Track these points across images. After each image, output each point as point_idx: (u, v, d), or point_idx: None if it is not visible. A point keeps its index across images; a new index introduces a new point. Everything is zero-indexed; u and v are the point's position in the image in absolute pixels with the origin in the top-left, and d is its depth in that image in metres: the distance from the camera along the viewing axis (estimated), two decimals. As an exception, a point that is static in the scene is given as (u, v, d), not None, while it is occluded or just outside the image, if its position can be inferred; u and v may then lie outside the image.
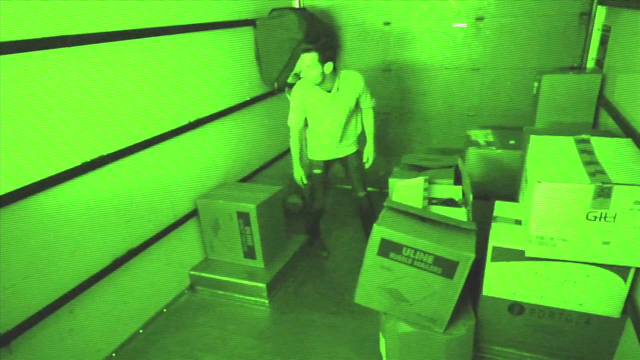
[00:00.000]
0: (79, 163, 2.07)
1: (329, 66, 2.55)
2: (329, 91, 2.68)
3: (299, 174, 2.97)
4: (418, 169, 2.77)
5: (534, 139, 2.13)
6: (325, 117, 2.78)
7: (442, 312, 1.87)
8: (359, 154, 3.00)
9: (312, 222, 3.29)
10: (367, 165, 2.99)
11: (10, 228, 1.80)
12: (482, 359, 2.19)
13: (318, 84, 2.63)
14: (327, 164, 3.01)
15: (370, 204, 3.09)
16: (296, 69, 2.61)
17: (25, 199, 1.84)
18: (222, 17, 2.97)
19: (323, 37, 2.55)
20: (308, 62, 2.53)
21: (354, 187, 3.07)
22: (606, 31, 2.77)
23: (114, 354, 2.37)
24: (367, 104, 2.84)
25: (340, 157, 2.98)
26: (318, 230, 3.35)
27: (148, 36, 2.38)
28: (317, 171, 3.00)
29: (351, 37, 3.82)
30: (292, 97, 2.80)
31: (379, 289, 1.93)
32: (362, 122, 2.93)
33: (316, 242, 3.35)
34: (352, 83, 2.71)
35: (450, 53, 3.55)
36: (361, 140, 3.00)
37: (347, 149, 2.95)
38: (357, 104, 2.83)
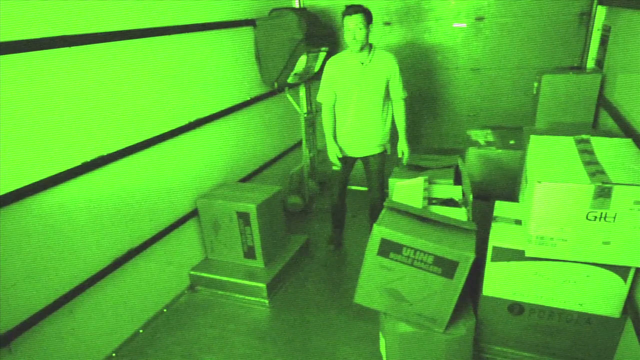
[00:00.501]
0: (79, 163, 2.07)
1: (371, 28, 2.62)
2: (362, 63, 2.68)
3: (333, 152, 2.86)
4: (418, 169, 2.78)
5: (534, 139, 2.13)
6: (354, 91, 2.72)
7: (442, 312, 1.87)
8: (382, 156, 2.94)
9: (333, 218, 3.28)
10: (404, 161, 2.92)
11: (10, 228, 1.80)
12: (482, 359, 2.19)
13: (361, 49, 2.64)
14: (347, 163, 2.97)
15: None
16: (345, 35, 2.62)
17: (25, 199, 1.84)
18: (222, 17, 2.97)
19: (369, 11, 2.61)
20: (356, 23, 2.54)
21: (371, 189, 3.07)
22: (606, 31, 2.78)
23: (114, 354, 2.37)
24: (399, 93, 2.78)
25: (363, 156, 2.93)
26: (339, 224, 3.31)
27: (148, 36, 2.38)
28: (336, 168, 2.96)
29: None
30: (324, 71, 2.81)
31: (379, 289, 1.93)
32: (391, 118, 2.87)
33: (335, 235, 3.32)
34: (386, 60, 2.71)
35: (450, 53, 3.55)
36: (387, 142, 2.96)
37: (372, 147, 2.88)
38: (388, 94, 2.77)
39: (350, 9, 2.57)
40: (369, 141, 2.86)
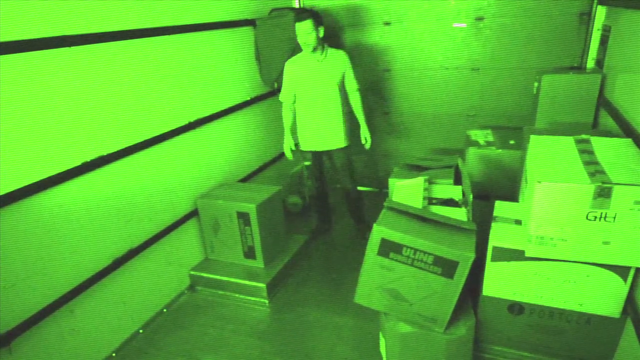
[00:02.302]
0: (79, 163, 2.07)
1: (322, 30, 2.83)
2: (318, 61, 2.90)
3: (288, 145, 3.12)
4: (418, 169, 2.77)
5: (534, 139, 2.13)
6: (313, 88, 2.94)
7: (442, 312, 1.87)
8: (347, 150, 3.13)
9: (317, 208, 3.46)
10: (367, 146, 3.14)
11: (10, 228, 1.80)
12: (482, 359, 2.19)
13: (314, 49, 2.85)
14: (316, 156, 3.16)
15: (359, 196, 3.32)
16: (298, 39, 2.86)
17: (25, 199, 1.84)
18: (222, 17, 2.97)
19: (319, 14, 2.86)
20: (306, 28, 2.75)
21: (341, 182, 3.27)
22: (606, 31, 2.77)
23: (114, 354, 2.37)
24: (353, 86, 3.03)
25: (328, 149, 3.09)
26: (323, 213, 3.49)
27: (148, 36, 2.38)
28: (307, 163, 3.19)
29: (351, 37, 3.82)
30: (284, 72, 3.00)
31: (379, 289, 1.93)
32: (349, 112, 3.08)
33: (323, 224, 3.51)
34: (338, 57, 2.96)
35: (450, 53, 3.55)
36: (350, 136, 3.14)
37: (334, 141, 3.06)
38: (343, 88, 3.01)
39: (300, 15, 2.77)
40: (331, 135, 3.05)
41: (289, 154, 3.17)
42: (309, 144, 3.11)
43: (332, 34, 3.80)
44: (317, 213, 3.51)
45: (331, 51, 2.95)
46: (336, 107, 3.00)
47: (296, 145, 3.19)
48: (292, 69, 2.96)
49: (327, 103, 2.98)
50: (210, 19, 2.86)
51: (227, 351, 2.39)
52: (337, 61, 2.95)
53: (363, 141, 3.14)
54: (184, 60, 2.69)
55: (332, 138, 3.06)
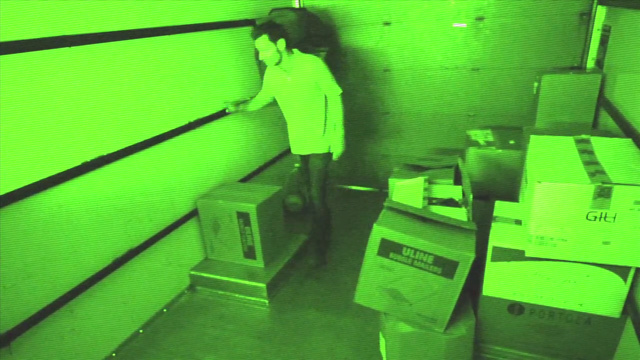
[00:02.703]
0: (79, 163, 2.07)
1: (281, 43, 2.59)
2: (285, 72, 2.74)
3: (235, 103, 2.95)
4: (418, 169, 2.77)
5: (534, 139, 2.13)
6: (286, 100, 2.87)
7: (442, 312, 1.87)
8: (324, 157, 2.93)
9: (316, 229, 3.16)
10: (334, 157, 2.90)
11: (10, 228, 1.80)
12: (482, 359, 2.19)
13: (277, 64, 2.68)
14: (304, 161, 3.10)
15: (324, 215, 3.09)
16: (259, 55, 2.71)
17: (25, 199, 1.84)
18: (222, 17, 2.97)
19: (276, 26, 2.64)
20: (261, 45, 2.58)
21: (309, 187, 3.08)
22: (606, 31, 2.77)
23: (114, 354, 2.37)
24: (331, 91, 2.76)
25: (306, 153, 3.00)
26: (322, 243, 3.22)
27: (148, 36, 2.38)
28: (297, 165, 3.12)
29: (351, 37, 3.82)
30: (264, 76, 2.93)
31: (379, 289, 1.93)
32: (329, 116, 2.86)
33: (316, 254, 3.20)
34: (307, 64, 2.70)
35: (450, 53, 3.55)
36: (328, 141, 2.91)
37: (312, 146, 2.92)
38: (322, 94, 2.79)
39: (254, 32, 2.58)
40: (308, 139, 2.93)
41: (227, 105, 2.95)
42: (293, 147, 3.06)
43: (330, 33, 3.81)
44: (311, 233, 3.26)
45: (299, 60, 2.71)
46: (312, 114, 2.82)
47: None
48: (267, 79, 2.88)
49: (302, 112, 2.85)
50: (210, 19, 2.86)
51: (227, 351, 2.39)
52: (307, 69, 2.69)
53: (330, 150, 2.91)
54: (184, 60, 2.69)
55: (309, 142, 2.93)
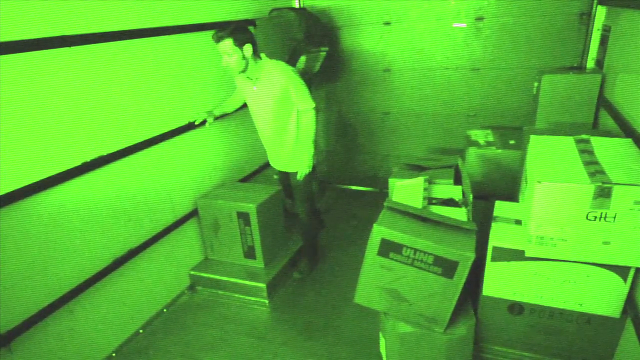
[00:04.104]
0: (79, 163, 2.07)
1: (248, 48, 2.36)
2: (251, 82, 2.54)
3: (205, 114, 2.66)
4: (418, 169, 2.77)
5: (534, 139, 2.13)
6: (256, 109, 2.63)
7: (442, 312, 1.87)
8: (304, 176, 2.68)
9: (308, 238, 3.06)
10: (298, 177, 2.65)
11: (10, 228, 1.80)
12: (482, 359, 2.19)
13: (243, 71, 2.45)
14: (281, 175, 2.95)
15: (309, 230, 2.97)
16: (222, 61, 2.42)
17: (25, 199, 1.84)
18: (222, 17, 2.97)
19: (242, 29, 2.40)
20: (225, 49, 2.33)
21: (293, 202, 2.91)
22: (606, 31, 2.77)
23: (114, 354, 2.37)
24: (302, 104, 2.53)
25: (283, 171, 2.83)
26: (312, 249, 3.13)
27: (148, 36, 2.38)
28: (275, 176, 3.02)
29: (351, 37, 3.82)
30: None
31: (379, 289, 1.93)
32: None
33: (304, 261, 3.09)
34: (274, 75, 2.48)
35: (450, 53, 3.55)
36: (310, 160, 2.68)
37: (289, 164, 2.73)
38: (292, 106, 2.55)
39: (217, 35, 2.31)
40: (282, 156, 2.74)
41: (199, 115, 2.65)
42: (271, 160, 2.89)
43: (330, 33, 3.81)
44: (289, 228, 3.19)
45: (267, 67, 2.49)
46: (282, 128, 2.60)
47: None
48: (238, 83, 2.69)
49: (270, 125, 2.61)
50: (210, 19, 2.85)
51: (227, 351, 2.39)
52: (275, 79, 2.47)
53: (296, 168, 2.67)
54: (184, 60, 2.69)
55: (283, 159, 2.75)
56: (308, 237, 3.03)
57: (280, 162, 2.81)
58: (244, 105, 2.83)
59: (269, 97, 2.51)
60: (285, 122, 2.60)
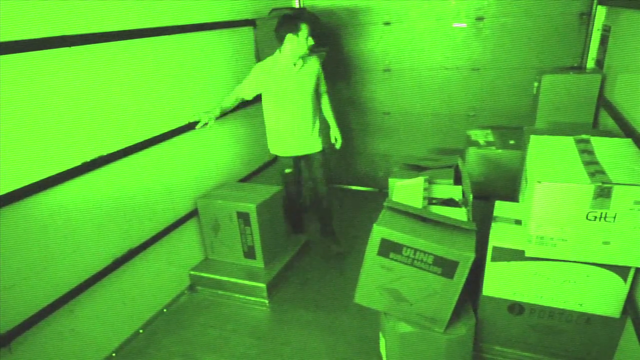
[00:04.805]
0: (79, 163, 2.07)
1: (311, 40, 2.70)
2: (295, 66, 2.77)
3: (208, 115, 2.72)
4: (418, 169, 2.77)
5: (534, 139, 2.13)
6: (292, 95, 2.82)
7: (442, 312, 1.87)
8: (324, 152, 3.06)
9: (290, 216, 3.30)
10: (337, 146, 3.10)
11: (10, 228, 1.80)
12: (482, 359, 2.19)
13: (303, 56, 2.76)
14: (296, 163, 3.05)
15: (330, 205, 3.23)
16: (293, 46, 2.70)
17: (25, 199, 1.84)
18: (222, 17, 2.97)
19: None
20: (305, 33, 2.65)
21: (317, 184, 3.15)
22: (606, 31, 2.78)
23: (114, 354, 2.37)
24: (324, 88, 3.01)
25: (306, 154, 3.01)
26: (302, 224, 3.40)
27: (148, 36, 2.38)
28: (288, 170, 3.05)
29: (351, 37, 3.82)
30: (253, 71, 2.83)
31: (379, 289, 1.93)
32: (321, 114, 3.03)
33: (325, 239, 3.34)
34: (312, 62, 2.87)
35: (450, 53, 3.55)
36: (324, 138, 3.08)
37: (313, 145, 2.99)
38: (317, 93, 2.94)
39: (297, 23, 2.62)
40: (309, 139, 2.96)
41: (199, 117, 2.70)
42: (288, 150, 2.98)
43: (331, 33, 3.81)
44: (291, 219, 3.33)
45: (306, 57, 2.83)
46: (313, 112, 2.91)
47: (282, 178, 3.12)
48: (262, 74, 2.79)
49: (304, 109, 2.87)
50: (210, 19, 2.86)
51: (227, 351, 2.39)
52: (313, 67, 2.85)
53: (333, 140, 3.11)
54: (184, 60, 2.69)
55: (311, 142, 2.97)
56: (330, 213, 3.25)
57: (305, 145, 2.98)
58: (244, 103, 2.95)
59: (310, 80, 2.84)
60: (315, 104, 2.94)
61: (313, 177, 3.13)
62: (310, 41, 2.70)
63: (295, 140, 2.95)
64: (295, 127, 2.90)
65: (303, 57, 2.78)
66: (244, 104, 3.32)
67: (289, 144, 2.97)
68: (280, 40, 2.71)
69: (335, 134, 3.09)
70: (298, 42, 2.66)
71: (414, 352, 1.99)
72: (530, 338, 2.11)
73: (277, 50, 2.78)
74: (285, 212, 3.19)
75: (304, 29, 2.64)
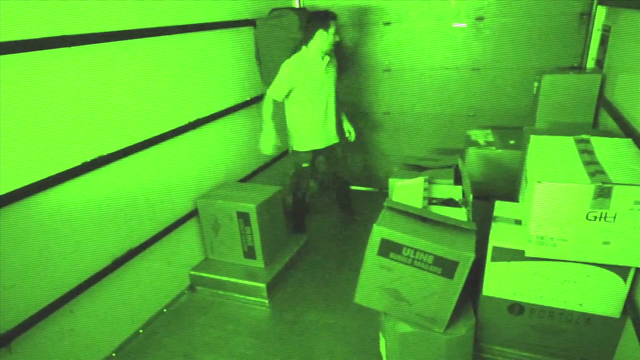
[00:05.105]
0: (79, 163, 2.07)
1: (337, 37, 2.95)
2: (324, 61, 2.97)
3: (272, 138, 3.01)
4: (418, 169, 2.77)
5: (534, 139, 2.13)
6: (322, 88, 2.99)
7: (442, 312, 1.87)
8: (341, 144, 3.28)
9: (297, 214, 3.43)
10: (352, 138, 3.34)
11: (10, 228, 1.80)
12: (482, 359, 2.19)
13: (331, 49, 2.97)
14: (315, 157, 3.20)
15: (349, 189, 3.66)
16: (324, 42, 2.90)
17: (25, 199, 1.84)
18: (222, 17, 2.97)
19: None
20: (334, 31, 2.87)
21: (340, 175, 3.42)
22: (606, 31, 2.78)
23: (114, 354, 2.37)
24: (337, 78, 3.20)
25: (328, 145, 3.15)
26: (302, 224, 3.50)
27: (148, 36, 2.38)
28: (306, 165, 3.17)
29: (351, 37, 3.82)
30: (286, 70, 2.91)
31: (379, 289, 1.93)
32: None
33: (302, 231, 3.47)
34: (332, 57, 3.06)
35: (450, 53, 3.55)
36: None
37: (336, 136, 3.18)
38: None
39: (331, 19, 2.84)
40: (333, 131, 3.17)
41: (269, 149, 3.06)
42: (315, 143, 3.12)
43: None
44: (295, 219, 3.44)
45: (330, 53, 3.04)
46: (337, 104, 3.14)
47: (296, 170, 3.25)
48: (297, 69, 2.91)
49: (331, 102, 3.08)
50: (210, 19, 2.86)
51: (227, 351, 2.39)
52: (334, 62, 3.07)
53: (347, 134, 3.31)
54: (184, 60, 2.69)
55: (335, 134, 3.19)
56: (348, 188, 3.62)
57: (330, 137, 3.15)
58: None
59: (334, 74, 3.06)
60: (336, 98, 3.13)
61: (335, 167, 3.35)
62: (337, 38, 2.91)
63: (323, 133, 3.09)
64: (324, 120, 3.07)
65: (328, 53, 2.96)
66: (247, 103, 3.33)
67: (317, 138, 3.09)
68: (309, 35, 2.88)
69: (348, 127, 3.30)
70: (327, 37, 2.85)
71: (414, 352, 1.99)
72: (530, 338, 2.11)
73: (303, 47, 2.93)
74: (293, 210, 3.36)
75: (333, 26, 2.85)
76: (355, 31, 3.80)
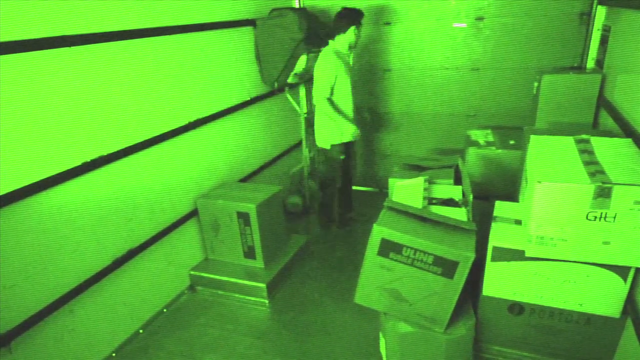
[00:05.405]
0: (79, 163, 2.07)
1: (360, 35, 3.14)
2: (348, 55, 3.18)
3: (353, 130, 3.12)
4: (418, 169, 2.77)
5: (534, 139, 2.13)
6: (349, 81, 3.10)
7: (442, 312, 1.87)
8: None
9: (328, 207, 3.55)
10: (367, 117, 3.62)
11: (10, 228, 1.80)
12: (482, 359, 2.19)
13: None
14: (348, 147, 3.26)
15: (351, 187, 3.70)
16: (353, 38, 3.06)
17: (25, 199, 1.84)
18: (222, 17, 2.97)
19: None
20: (361, 29, 3.07)
21: (351, 168, 3.49)
22: (606, 31, 2.78)
23: (114, 354, 2.37)
24: None
25: (357, 136, 3.19)
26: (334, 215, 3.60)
27: (148, 36, 2.38)
28: (342, 157, 3.25)
29: (351, 37, 3.82)
30: (331, 66, 2.98)
31: (379, 289, 1.93)
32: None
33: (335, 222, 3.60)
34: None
35: (450, 53, 3.55)
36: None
37: (358, 128, 3.20)
38: None
39: (361, 19, 3.02)
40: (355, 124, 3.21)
41: (349, 137, 3.16)
42: (350, 135, 3.16)
43: (331, 33, 3.80)
44: (329, 209, 3.59)
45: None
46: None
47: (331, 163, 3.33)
48: (337, 63, 3.01)
49: (356, 94, 3.20)
50: (210, 19, 2.85)
51: (227, 351, 2.39)
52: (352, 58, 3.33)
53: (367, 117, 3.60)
54: (184, 60, 2.69)
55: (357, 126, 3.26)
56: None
57: (357, 128, 3.17)
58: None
59: (352, 67, 3.25)
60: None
61: (350, 162, 3.42)
62: (360, 36, 3.11)
63: (354, 124, 3.14)
64: (354, 111, 3.20)
65: (350, 48, 3.11)
66: (247, 103, 3.33)
67: (351, 129, 3.12)
68: (342, 29, 3.00)
69: (363, 113, 3.56)
70: (356, 34, 3.03)
71: (414, 352, 1.99)
72: (530, 338, 2.11)
73: (330, 42, 3.08)
74: (323, 203, 3.54)
75: (361, 25, 3.04)
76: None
